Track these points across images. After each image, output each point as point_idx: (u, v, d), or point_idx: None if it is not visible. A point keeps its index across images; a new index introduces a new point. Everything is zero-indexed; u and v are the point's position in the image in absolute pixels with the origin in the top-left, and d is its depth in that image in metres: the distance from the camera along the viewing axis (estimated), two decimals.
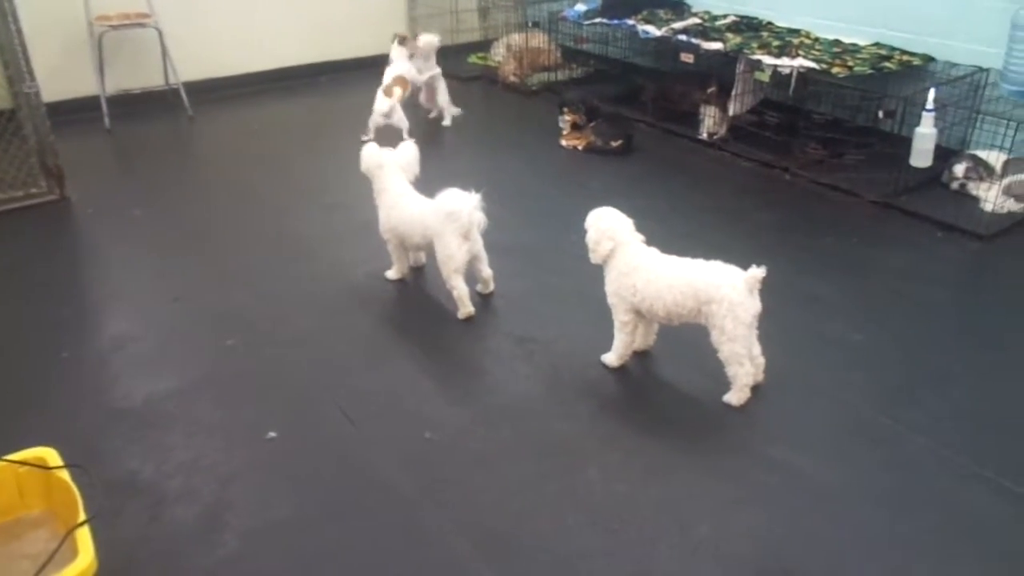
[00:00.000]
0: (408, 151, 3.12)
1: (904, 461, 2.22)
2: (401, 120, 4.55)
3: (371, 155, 3.06)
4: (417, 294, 3.15)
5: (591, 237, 2.49)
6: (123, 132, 4.91)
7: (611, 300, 2.53)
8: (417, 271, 3.24)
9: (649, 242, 2.53)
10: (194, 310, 3.01)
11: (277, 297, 3.09)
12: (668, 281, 2.40)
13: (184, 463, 2.27)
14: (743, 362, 2.38)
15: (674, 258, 2.47)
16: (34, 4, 4.64)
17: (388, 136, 4.43)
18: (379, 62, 6.13)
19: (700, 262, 2.43)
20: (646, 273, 2.44)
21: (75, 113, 4.95)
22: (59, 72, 4.96)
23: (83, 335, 2.86)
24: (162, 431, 2.39)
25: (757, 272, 2.33)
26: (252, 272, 3.28)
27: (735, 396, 2.42)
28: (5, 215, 3.72)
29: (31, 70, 3.62)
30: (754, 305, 2.35)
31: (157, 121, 5.13)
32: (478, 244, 2.91)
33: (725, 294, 2.32)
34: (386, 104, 4.50)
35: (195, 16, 5.38)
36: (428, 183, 3.05)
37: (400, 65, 4.75)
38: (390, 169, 3.05)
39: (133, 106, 5.14)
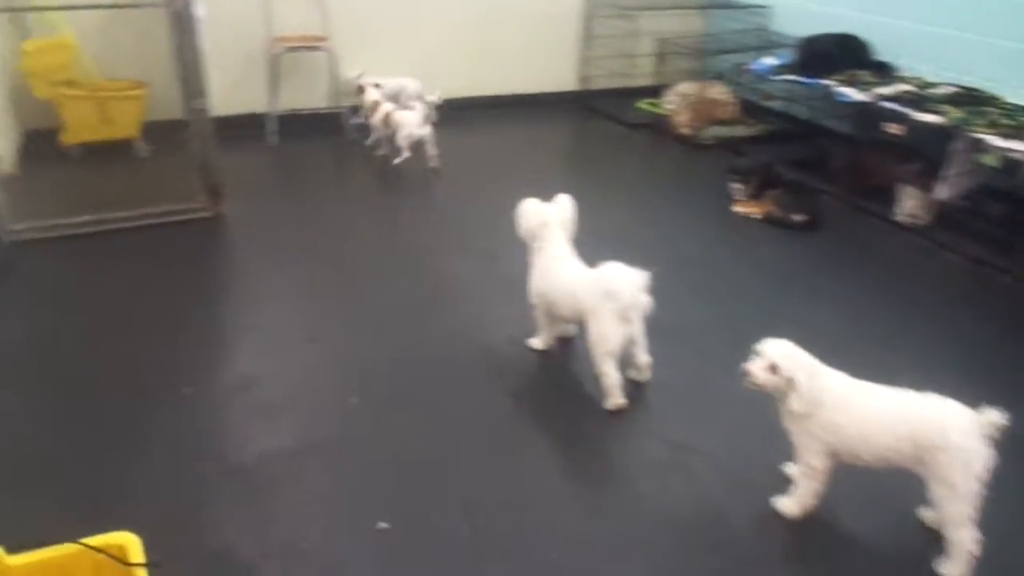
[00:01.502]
0: (566, 206, 2.81)
1: None
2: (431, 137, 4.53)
3: (535, 212, 2.75)
4: (561, 371, 2.81)
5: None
6: (286, 151, 4.92)
7: (798, 439, 2.09)
8: (565, 342, 2.92)
9: (837, 345, 2.09)
10: (325, 356, 2.82)
11: (409, 352, 2.85)
12: (878, 418, 1.94)
13: (286, 543, 2.03)
14: (968, 525, 1.89)
15: (880, 388, 2.01)
16: (220, 21, 4.77)
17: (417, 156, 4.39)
18: (550, 100, 5.97)
19: (915, 395, 1.96)
20: (848, 410, 1.98)
21: (243, 128, 5.01)
22: (233, 88, 5.06)
23: (210, 369, 2.72)
24: (269, 498, 2.17)
25: (994, 416, 1.84)
26: (389, 318, 3.07)
27: (956, 569, 1.92)
28: (161, 227, 3.71)
29: (204, 88, 3.61)
30: (987, 455, 1.86)
31: (320, 143, 5.11)
32: (637, 328, 2.55)
33: (954, 440, 1.85)
34: (419, 116, 4.47)
35: (367, 42, 5.36)
36: (581, 241, 2.74)
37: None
38: (553, 228, 2.75)
39: (299, 126, 5.15)
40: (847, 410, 1.97)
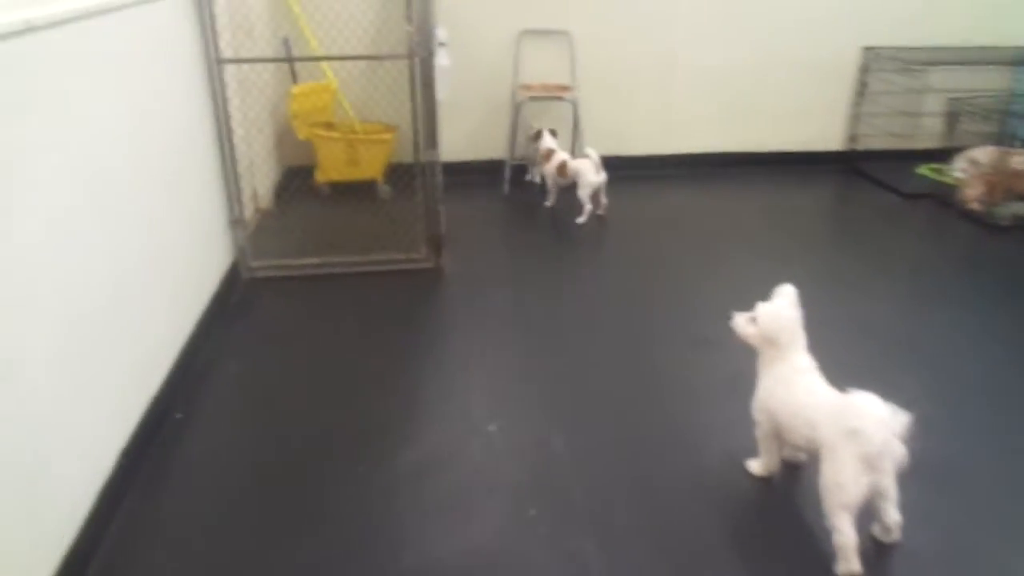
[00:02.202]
0: (792, 300, 2.31)
1: None
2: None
3: (780, 318, 2.27)
4: (783, 510, 2.31)
5: None
6: (517, 201, 4.81)
7: None
8: (791, 470, 2.42)
9: None
10: (507, 448, 2.55)
11: (602, 458, 2.50)
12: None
13: None
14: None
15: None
16: (470, 65, 4.81)
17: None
18: (810, 160, 5.36)
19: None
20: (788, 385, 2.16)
21: (482, 174, 5.01)
22: (475, 133, 5.08)
23: (387, 447, 2.55)
24: None
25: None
26: (584, 412, 2.74)
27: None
28: (383, 275, 3.71)
29: (436, 139, 3.57)
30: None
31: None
32: (887, 479, 2.01)
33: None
34: (594, 164, 4.36)
35: (612, 91, 5.13)
36: (825, 341, 2.26)
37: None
38: (796, 335, 2.28)
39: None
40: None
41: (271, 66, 4.58)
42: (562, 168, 4.45)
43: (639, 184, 5.12)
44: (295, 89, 4.62)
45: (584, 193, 4.35)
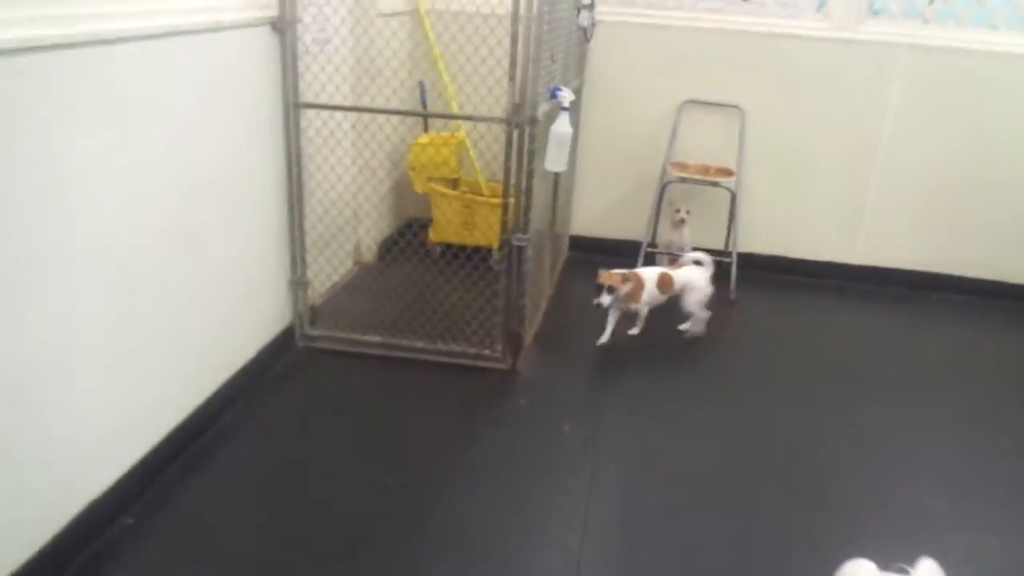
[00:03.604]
0: None
1: None
2: None
3: None
4: None
5: None
6: None
7: None
8: None
9: None
10: None
11: None
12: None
13: None
14: None
15: None
16: (620, 133, 4.22)
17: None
18: None
19: None
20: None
21: (608, 255, 4.34)
22: (610, 209, 4.45)
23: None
24: None
25: None
26: None
27: None
28: (447, 369, 3.16)
29: (530, 219, 2.97)
30: None
31: None
32: None
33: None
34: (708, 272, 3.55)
35: (785, 182, 4.28)
36: None
37: None
38: None
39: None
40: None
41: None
42: (665, 282, 3.51)
43: (802, 295, 4.22)
44: (421, 139, 4.24)
45: (695, 304, 3.54)
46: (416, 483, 2.48)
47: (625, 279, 3.36)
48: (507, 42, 2.77)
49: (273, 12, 2.81)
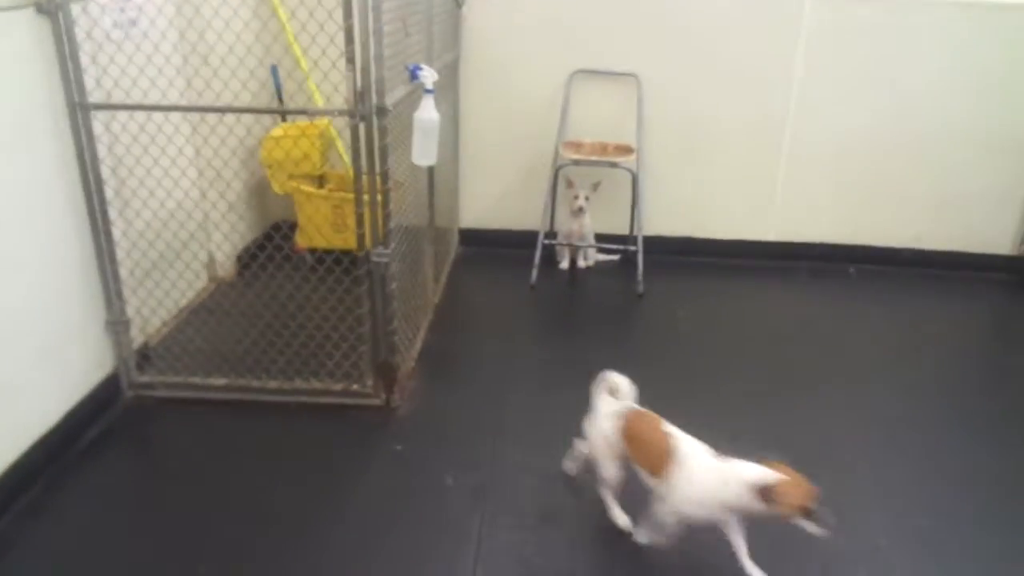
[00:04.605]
0: None
1: None
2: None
3: None
4: None
5: None
6: (544, 296, 3.64)
7: None
8: None
9: None
10: None
11: None
12: None
13: None
14: None
15: None
16: (505, 110, 3.73)
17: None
18: (966, 265, 3.92)
19: None
20: None
21: (503, 248, 3.90)
22: (501, 198, 3.98)
23: None
24: None
25: None
26: None
27: None
28: (312, 411, 2.64)
29: (389, 231, 2.47)
30: None
31: (591, 288, 3.77)
32: None
33: None
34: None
35: (690, 156, 3.88)
36: None
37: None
38: None
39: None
40: None
41: (247, 104, 3.60)
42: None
43: (716, 278, 3.86)
44: (275, 131, 3.65)
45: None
46: (269, 567, 1.98)
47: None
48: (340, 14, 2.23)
49: None
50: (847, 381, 2.96)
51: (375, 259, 2.48)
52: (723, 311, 3.54)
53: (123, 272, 2.60)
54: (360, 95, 2.29)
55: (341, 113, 2.34)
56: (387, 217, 2.44)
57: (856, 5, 3.58)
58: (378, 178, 2.39)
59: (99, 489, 2.29)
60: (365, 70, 2.27)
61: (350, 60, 2.26)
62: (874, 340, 3.30)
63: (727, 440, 1.98)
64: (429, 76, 2.64)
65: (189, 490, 2.29)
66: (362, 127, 2.33)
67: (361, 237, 2.46)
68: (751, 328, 3.38)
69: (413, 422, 2.62)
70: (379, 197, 2.41)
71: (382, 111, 2.31)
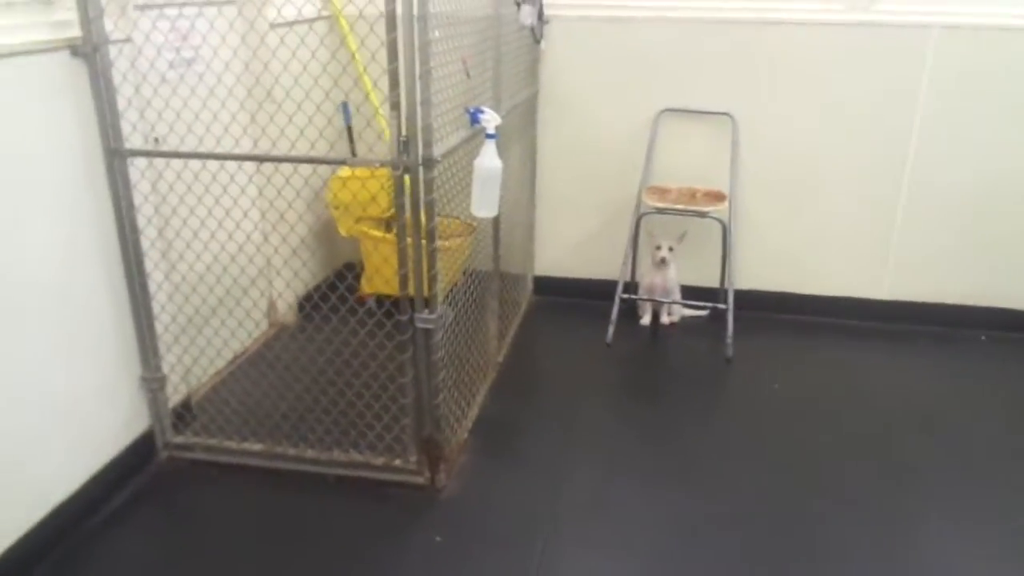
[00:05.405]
0: None
1: None
2: None
3: None
4: None
5: None
6: (621, 356, 3.30)
7: None
8: None
9: None
10: None
11: None
12: None
13: None
14: None
15: None
16: (585, 151, 3.45)
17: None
18: None
19: None
20: None
21: (579, 297, 3.61)
22: (578, 245, 3.68)
23: None
24: None
25: None
26: None
27: None
28: (350, 486, 2.41)
29: (433, 295, 2.21)
30: None
31: (672, 349, 3.40)
32: None
33: None
34: None
35: (792, 205, 3.47)
36: None
37: None
38: None
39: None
40: None
41: (312, 145, 3.45)
42: None
43: (818, 340, 3.42)
44: (342, 171, 3.49)
45: None
46: None
47: None
48: (385, 54, 2.00)
49: (73, 32, 2.07)
50: (984, 489, 2.48)
51: (419, 324, 2.23)
52: (826, 384, 3.09)
53: (159, 326, 2.44)
54: (404, 144, 2.05)
55: (383, 164, 2.11)
56: (433, 279, 2.19)
57: (989, 37, 3.11)
58: (423, 236, 2.14)
59: (116, 561, 2.11)
60: (411, 117, 2.03)
61: (394, 106, 2.02)
62: (1013, 427, 2.80)
63: None
64: (491, 120, 2.38)
65: (209, 568, 2.08)
66: (407, 179, 2.09)
67: (406, 299, 2.22)
68: (861, 411, 2.91)
69: (458, 507, 2.34)
70: (423, 257, 2.16)
71: (429, 162, 2.07)
